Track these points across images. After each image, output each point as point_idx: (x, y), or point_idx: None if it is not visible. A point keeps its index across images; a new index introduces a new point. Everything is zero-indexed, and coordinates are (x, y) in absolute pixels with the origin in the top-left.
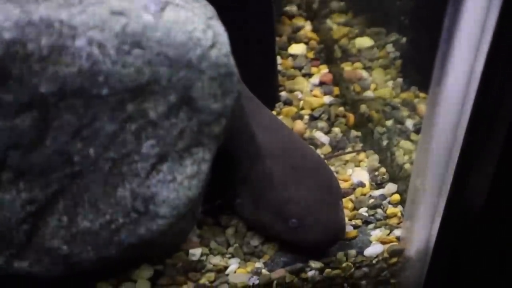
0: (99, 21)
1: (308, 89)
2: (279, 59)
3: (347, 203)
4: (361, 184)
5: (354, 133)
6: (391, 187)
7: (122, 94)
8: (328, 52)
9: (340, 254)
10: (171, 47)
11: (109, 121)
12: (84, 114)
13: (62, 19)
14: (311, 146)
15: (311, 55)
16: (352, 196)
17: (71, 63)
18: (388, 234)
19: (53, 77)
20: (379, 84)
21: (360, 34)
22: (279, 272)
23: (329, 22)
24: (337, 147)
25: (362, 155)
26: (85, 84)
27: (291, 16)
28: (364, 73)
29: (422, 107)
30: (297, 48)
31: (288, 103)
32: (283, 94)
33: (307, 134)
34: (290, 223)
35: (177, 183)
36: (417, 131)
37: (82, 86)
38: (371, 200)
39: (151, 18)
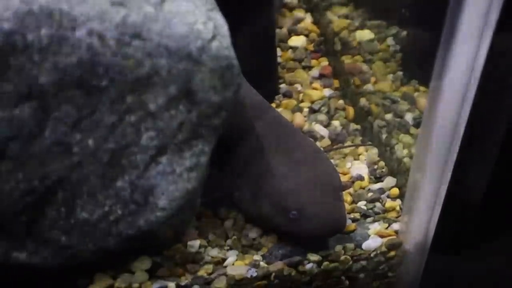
0: (99, 12)
1: (308, 82)
2: (279, 51)
3: (346, 196)
4: (360, 178)
5: (353, 126)
6: (390, 181)
7: (122, 85)
8: (328, 45)
9: (338, 247)
10: (171, 38)
11: (108, 112)
12: (84, 105)
13: (62, 9)
14: (310, 139)
15: (311, 47)
16: (351, 190)
17: (71, 54)
18: (387, 228)
19: (53, 68)
20: (379, 78)
21: (361, 27)
22: (277, 265)
23: (329, 14)
24: (336, 140)
25: (361, 149)
26: (84, 75)
27: (291, 8)
28: (364, 66)
29: (422, 101)
30: (297, 40)
31: (287, 95)
32: (283, 86)
33: (307, 127)
34: (290, 214)
35: (176, 175)
36: (417, 125)
37: (82, 77)
38: (370, 194)
39: (151, 9)
